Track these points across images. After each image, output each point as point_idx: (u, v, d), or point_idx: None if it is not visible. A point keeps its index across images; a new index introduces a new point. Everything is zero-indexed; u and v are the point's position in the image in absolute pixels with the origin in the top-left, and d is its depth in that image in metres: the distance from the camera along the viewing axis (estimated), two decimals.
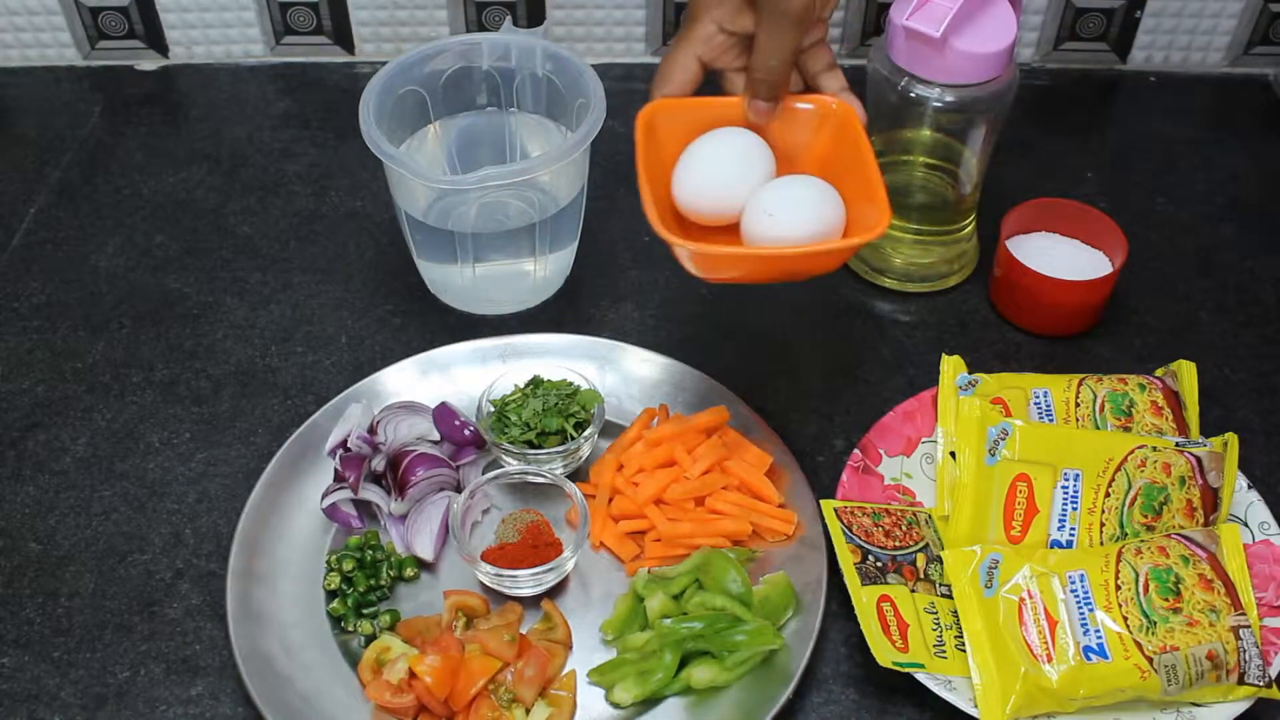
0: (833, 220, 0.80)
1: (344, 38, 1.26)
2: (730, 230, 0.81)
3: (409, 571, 0.85)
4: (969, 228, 1.04)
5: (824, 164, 0.84)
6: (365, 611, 0.83)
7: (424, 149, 1.02)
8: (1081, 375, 0.91)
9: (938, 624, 0.80)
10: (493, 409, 0.90)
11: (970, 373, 0.92)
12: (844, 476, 0.87)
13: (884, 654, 0.76)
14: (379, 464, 0.88)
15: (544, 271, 1.01)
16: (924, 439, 0.92)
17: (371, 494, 0.87)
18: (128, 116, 1.22)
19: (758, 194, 0.81)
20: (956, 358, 0.93)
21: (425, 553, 0.85)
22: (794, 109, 0.84)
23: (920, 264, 1.04)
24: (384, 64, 0.96)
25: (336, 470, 0.88)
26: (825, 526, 0.83)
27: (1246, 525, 0.85)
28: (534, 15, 1.23)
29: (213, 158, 1.17)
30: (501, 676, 0.77)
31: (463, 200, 0.97)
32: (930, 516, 0.86)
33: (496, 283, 1.01)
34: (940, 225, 1.02)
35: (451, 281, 1.01)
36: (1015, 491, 0.84)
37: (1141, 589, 0.77)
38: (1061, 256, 1.00)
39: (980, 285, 1.05)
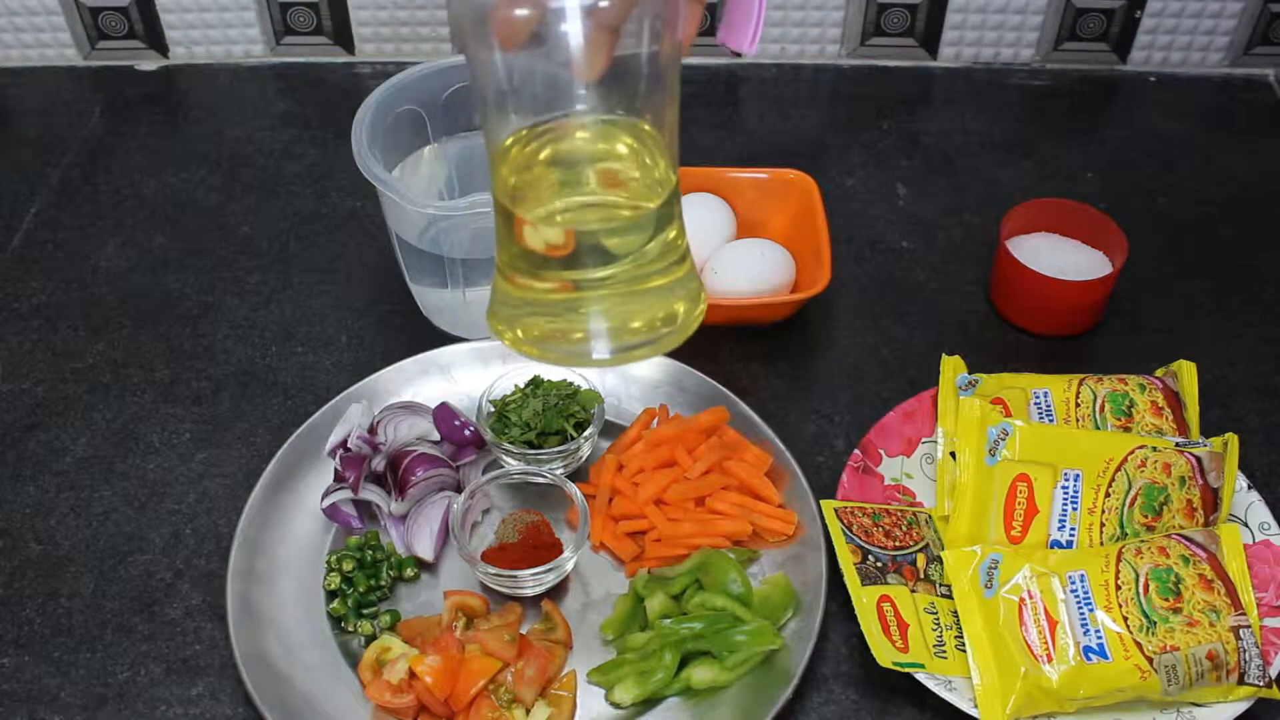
0: (772, 279, 0.97)
1: (344, 38, 1.26)
2: None
3: (409, 571, 0.85)
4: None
5: (789, 227, 1.03)
6: (365, 611, 0.83)
7: (420, 170, 1.00)
8: (1081, 375, 0.91)
9: (938, 624, 0.80)
10: (493, 409, 0.90)
11: (970, 373, 0.92)
12: (844, 476, 0.87)
13: (884, 654, 0.76)
14: (379, 464, 0.88)
15: None
16: (924, 439, 0.92)
17: (371, 494, 0.87)
18: (128, 116, 1.22)
19: (714, 254, 0.98)
20: (956, 358, 0.93)
21: (425, 553, 0.85)
22: (760, 180, 1.03)
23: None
24: (384, 64, 0.96)
25: (336, 470, 0.88)
26: (825, 526, 0.83)
27: (1246, 525, 0.85)
28: None
29: (213, 158, 1.17)
30: (501, 676, 0.77)
31: (456, 225, 0.94)
32: (930, 516, 0.86)
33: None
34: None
35: (444, 306, 0.98)
36: (1015, 491, 0.84)
37: (1141, 589, 0.77)
38: (1061, 256, 1.00)
39: (980, 285, 1.05)
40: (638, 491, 0.86)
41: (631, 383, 0.95)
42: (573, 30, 0.55)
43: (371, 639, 0.81)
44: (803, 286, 0.99)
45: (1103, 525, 0.82)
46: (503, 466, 0.89)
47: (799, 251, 1.01)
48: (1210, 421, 0.93)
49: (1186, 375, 0.90)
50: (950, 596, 0.80)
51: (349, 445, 0.89)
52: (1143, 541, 0.80)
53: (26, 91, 1.25)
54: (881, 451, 0.90)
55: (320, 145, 1.18)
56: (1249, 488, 0.86)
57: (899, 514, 0.85)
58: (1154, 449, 0.83)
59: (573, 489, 0.85)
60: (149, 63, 1.27)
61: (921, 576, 0.82)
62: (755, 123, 1.23)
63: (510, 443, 0.87)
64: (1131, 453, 0.83)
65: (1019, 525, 0.83)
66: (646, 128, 0.60)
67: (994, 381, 0.91)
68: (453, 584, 0.85)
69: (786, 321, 1.01)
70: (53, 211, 1.12)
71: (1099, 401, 0.88)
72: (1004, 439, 0.85)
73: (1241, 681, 0.76)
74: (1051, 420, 0.88)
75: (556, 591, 0.84)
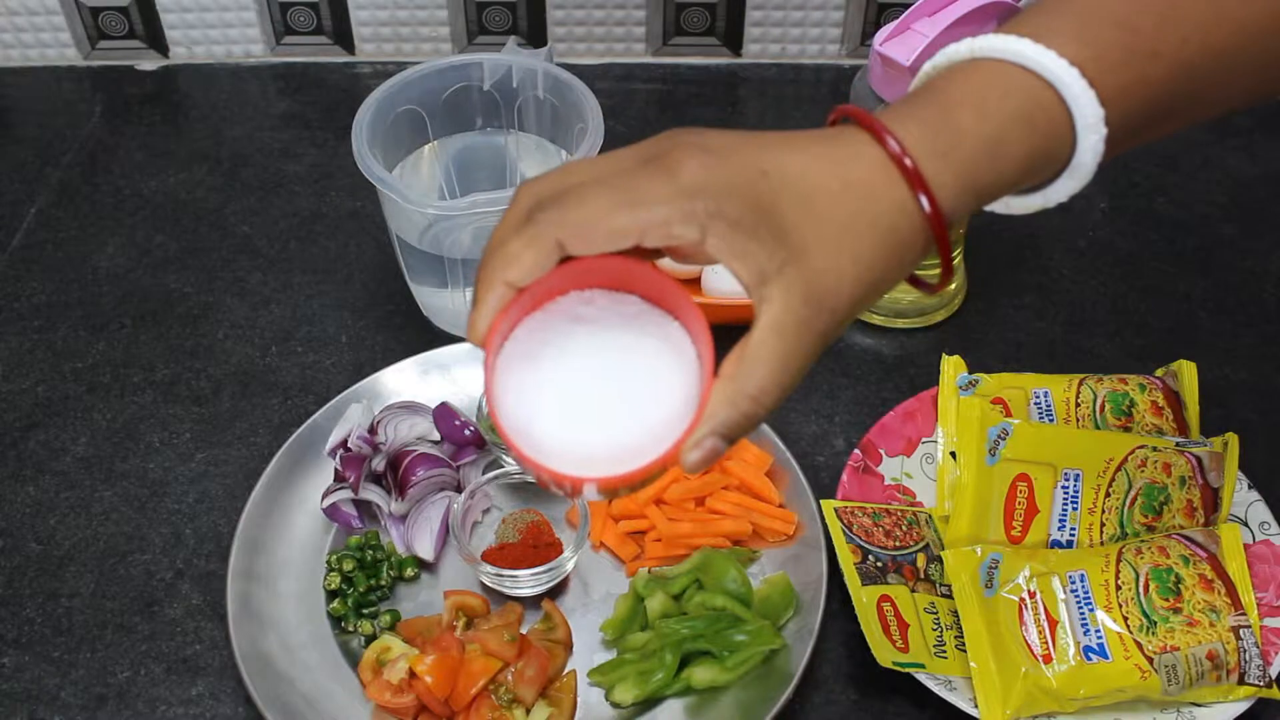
0: None
1: (344, 38, 1.26)
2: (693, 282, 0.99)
3: (409, 571, 0.85)
4: (954, 260, 1.01)
5: None
6: (365, 611, 0.83)
7: (420, 170, 1.00)
8: (1081, 375, 0.91)
9: (938, 624, 0.79)
10: None
11: (970, 373, 0.92)
12: (844, 476, 0.87)
13: (884, 654, 0.76)
14: (379, 464, 0.88)
15: None
16: (924, 439, 0.92)
17: (372, 494, 0.87)
18: (128, 116, 1.22)
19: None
20: (956, 358, 0.93)
21: (425, 553, 0.85)
22: None
23: (905, 301, 1.00)
24: (384, 64, 0.96)
25: (337, 470, 0.88)
26: (825, 526, 0.83)
27: (1247, 525, 0.85)
28: (534, 16, 1.23)
29: (213, 158, 1.17)
30: (502, 676, 0.77)
31: (456, 225, 0.95)
32: (930, 516, 0.86)
33: None
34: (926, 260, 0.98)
35: (445, 306, 0.98)
36: (1015, 491, 0.84)
37: (1142, 589, 0.77)
38: None
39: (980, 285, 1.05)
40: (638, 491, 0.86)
41: None
42: None
43: (371, 639, 0.81)
44: None
45: (1103, 525, 0.82)
46: (503, 466, 0.89)
47: None
48: (1210, 421, 0.93)
49: (1186, 375, 0.90)
50: (950, 596, 0.80)
51: (349, 445, 0.89)
52: (1143, 541, 0.80)
53: (26, 91, 1.25)
54: (881, 451, 0.90)
55: (320, 145, 1.18)
56: (1249, 488, 0.86)
57: (899, 514, 0.85)
58: (1154, 449, 0.83)
59: None
60: (149, 63, 1.27)
61: (921, 576, 0.82)
62: (755, 123, 1.22)
63: None
64: (1132, 453, 0.83)
65: (1019, 525, 0.83)
66: None
67: (994, 381, 0.90)
68: (453, 584, 0.85)
69: None
70: (53, 211, 1.12)
71: (1099, 401, 0.88)
72: (1004, 439, 0.84)
73: (1241, 681, 0.76)
74: (1051, 420, 0.88)
75: (556, 591, 0.84)
